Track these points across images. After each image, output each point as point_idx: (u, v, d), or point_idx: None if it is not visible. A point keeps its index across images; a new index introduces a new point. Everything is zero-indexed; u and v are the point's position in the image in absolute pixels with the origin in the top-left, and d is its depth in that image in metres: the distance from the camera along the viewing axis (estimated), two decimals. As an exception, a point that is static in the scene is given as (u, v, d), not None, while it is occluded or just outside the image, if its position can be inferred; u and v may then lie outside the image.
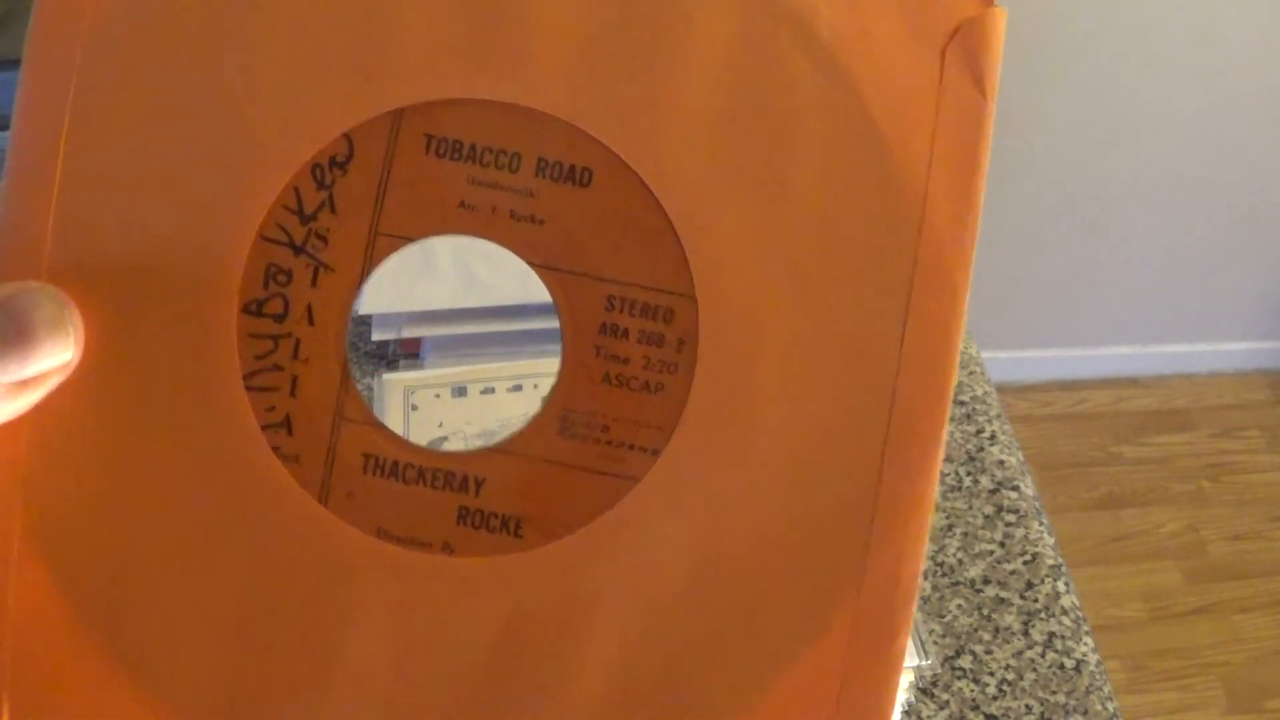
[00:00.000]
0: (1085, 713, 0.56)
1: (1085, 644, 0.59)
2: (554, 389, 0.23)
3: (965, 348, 0.76)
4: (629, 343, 0.23)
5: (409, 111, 0.22)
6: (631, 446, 0.23)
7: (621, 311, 0.23)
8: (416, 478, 0.23)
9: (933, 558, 0.63)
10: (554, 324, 0.23)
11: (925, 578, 0.62)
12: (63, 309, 0.22)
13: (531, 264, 0.23)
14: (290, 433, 0.23)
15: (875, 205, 0.23)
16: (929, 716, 0.56)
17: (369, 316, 0.53)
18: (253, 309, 0.23)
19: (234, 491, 0.22)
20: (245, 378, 0.22)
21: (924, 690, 0.57)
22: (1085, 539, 1.68)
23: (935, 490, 0.23)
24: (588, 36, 0.22)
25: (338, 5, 0.22)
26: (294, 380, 0.23)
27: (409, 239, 0.23)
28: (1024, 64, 1.57)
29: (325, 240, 0.23)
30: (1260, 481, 1.77)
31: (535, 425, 0.23)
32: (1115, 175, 1.70)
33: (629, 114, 0.22)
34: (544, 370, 0.46)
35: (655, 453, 0.23)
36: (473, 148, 0.23)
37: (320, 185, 0.22)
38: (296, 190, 0.22)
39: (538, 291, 0.23)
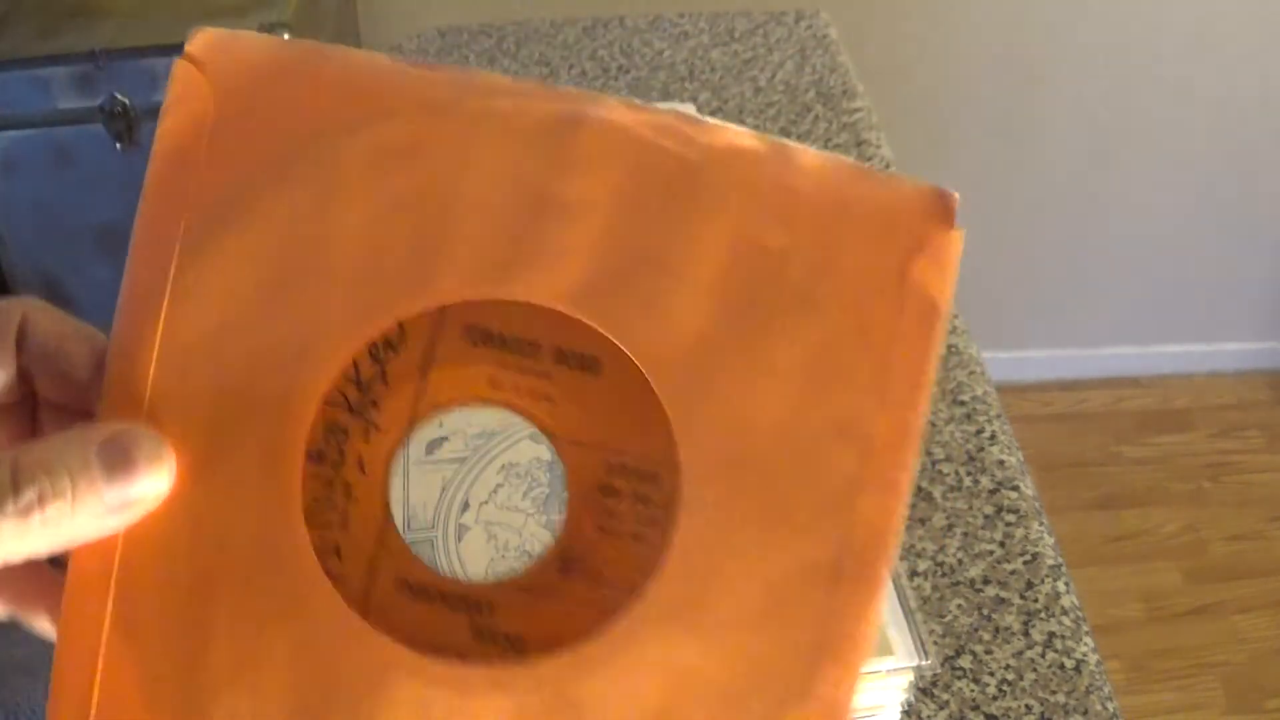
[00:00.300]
0: (1085, 713, 0.56)
1: (1085, 644, 0.59)
2: (559, 536, 0.28)
3: (965, 348, 0.76)
4: (622, 500, 0.28)
5: (451, 307, 0.28)
6: (619, 584, 0.27)
7: (618, 475, 0.28)
8: (439, 599, 0.28)
9: (933, 558, 0.63)
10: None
11: (925, 578, 0.62)
12: (160, 447, 0.27)
13: (545, 432, 0.28)
14: (339, 558, 0.28)
15: (838, 403, 0.28)
16: (929, 716, 0.56)
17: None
18: (314, 456, 0.28)
19: (291, 603, 0.27)
20: (305, 512, 0.27)
21: (924, 690, 0.57)
22: (1085, 539, 1.68)
23: (876, 630, 0.27)
24: (601, 252, 0.28)
25: (399, 218, 0.28)
26: (345, 516, 0.28)
27: (447, 408, 0.28)
28: (1024, 64, 1.57)
29: (377, 405, 0.28)
30: (1260, 481, 1.77)
31: (540, 564, 0.28)
32: (1115, 175, 1.70)
33: (632, 316, 0.28)
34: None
35: (639, 590, 0.27)
36: (502, 337, 0.28)
37: (375, 360, 0.28)
38: (356, 364, 0.28)
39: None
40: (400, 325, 0.28)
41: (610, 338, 0.28)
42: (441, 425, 0.29)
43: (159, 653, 0.27)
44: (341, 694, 0.27)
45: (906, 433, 0.27)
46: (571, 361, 0.28)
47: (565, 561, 0.28)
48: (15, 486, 0.25)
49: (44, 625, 0.30)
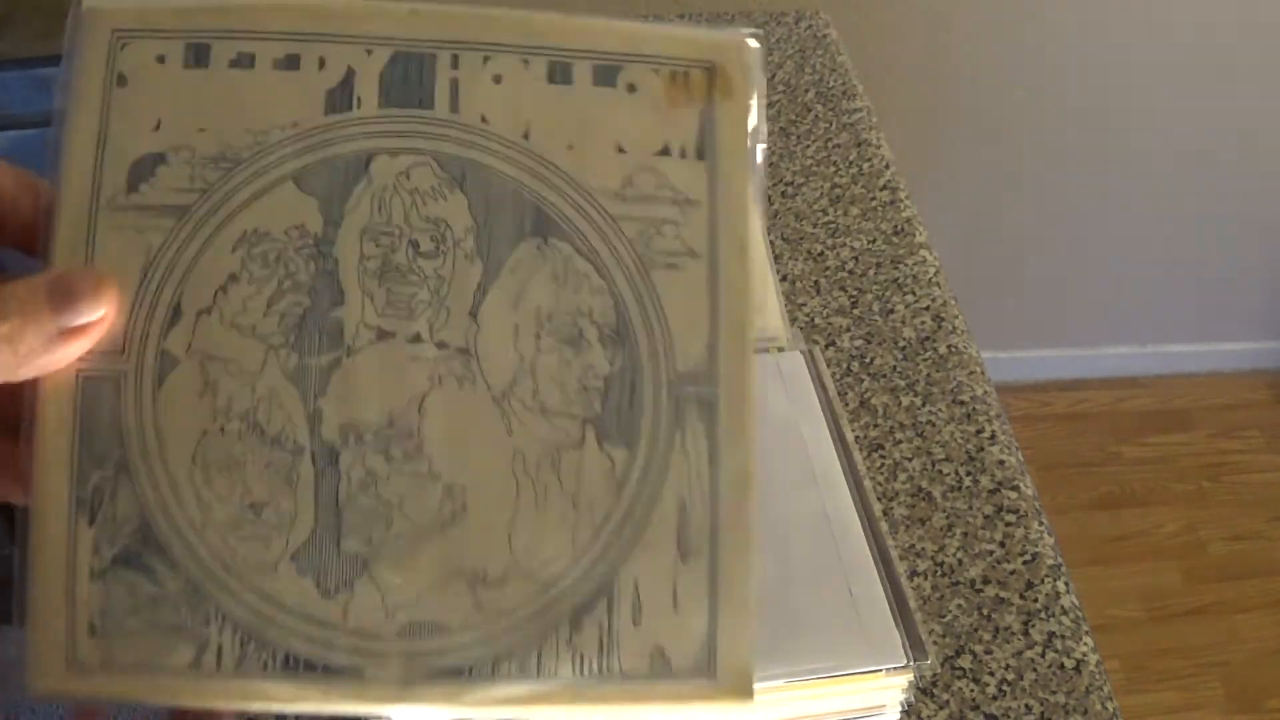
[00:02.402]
0: (1085, 713, 0.56)
1: (1085, 644, 0.59)
2: None
3: (965, 348, 0.76)
4: None
5: None
6: None
7: None
8: None
9: (933, 558, 0.63)
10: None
11: (925, 578, 0.62)
12: (100, 282, 0.31)
13: None
14: None
15: None
16: (929, 716, 0.56)
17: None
18: None
19: None
20: None
21: (924, 690, 0.57)
22: (1085, 539, 1.68)
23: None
24: None
25: None
26: None
27: None
28: (1025, 64, 1.57)
29: None
30: (1260, 481, 1.77)
31: None
32: (1115, 176, 1.70)
33: None
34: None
35: None
36: None
37: None
38: None
39: None
40: None
41: None
42: None
43: None
44: None
45: None
46: None
47: None
48: None
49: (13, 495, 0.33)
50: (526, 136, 0.34)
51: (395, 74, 0.34)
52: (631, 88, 0.34)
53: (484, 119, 0.34)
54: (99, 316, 0.31)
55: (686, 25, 0.36)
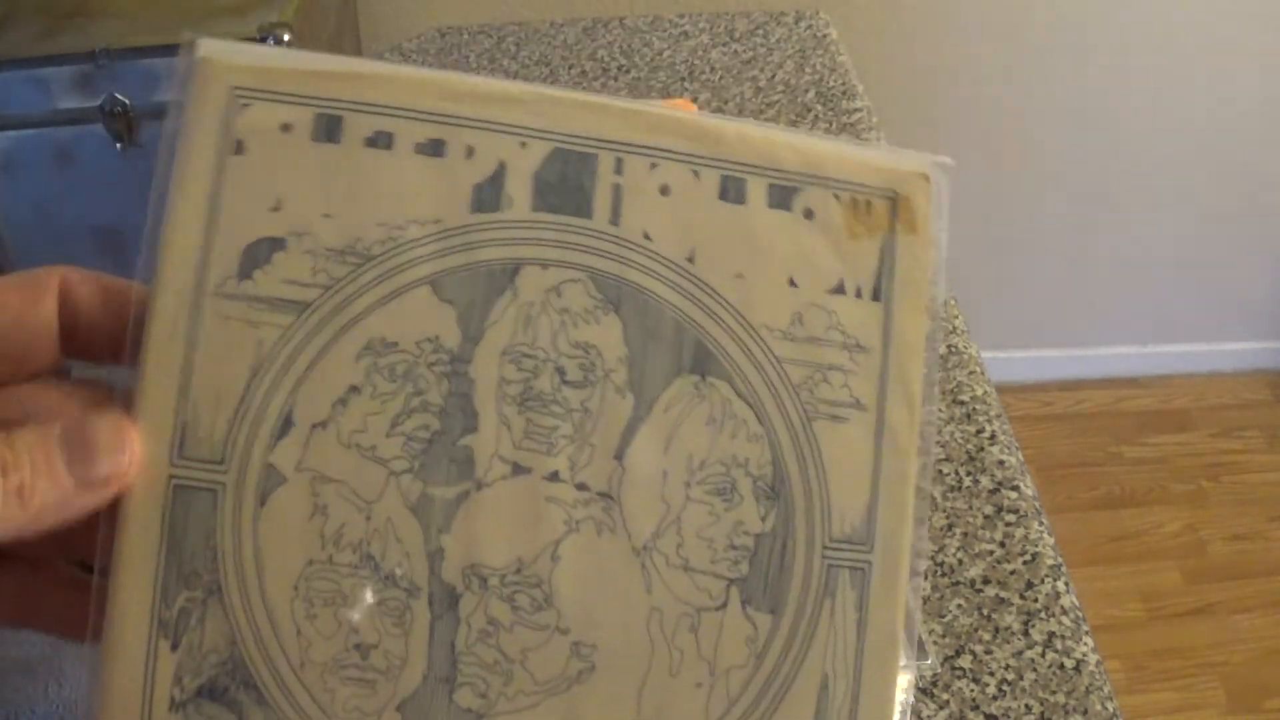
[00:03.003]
0: (1085, 713, 0.56)
1: (1085, 644, 0.59)
2: None
3: (965, 348, 0.76)
4: None
5: None
6: None
7: None
8: None
9: (933, 558, 0.63)
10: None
11: (925, 577, 0.62)
12: (120, 431, 0.28)
13: None
14: None
15: None
16: (929, 716, 0.56)
17: None
18: None
19: None
20: None
21: (924, 690, 0.57)
22: (1085, 539, 1.68)
23: None
24: None
25: None
26: None
27: None
28: (1024, 65, 1.57)
29: None
30: (1260, 481, 1.77)
31: None
32: (1115, 175, 1.70)
33: None
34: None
35: None
36: None
37: None
38: None
39: None
40: None
41: None
42: None
43: None
44: None
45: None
46: None
47: None
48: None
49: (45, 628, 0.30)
50: (691, 260, 0.30)
51: (552, 173, 0.30)
52: (809, 213, 0.31)
53: (647, 235, 0.30)
54: (122, 468, 0.28)
55: (867, 146, 0.33)
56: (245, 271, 0.29)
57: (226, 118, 0.29)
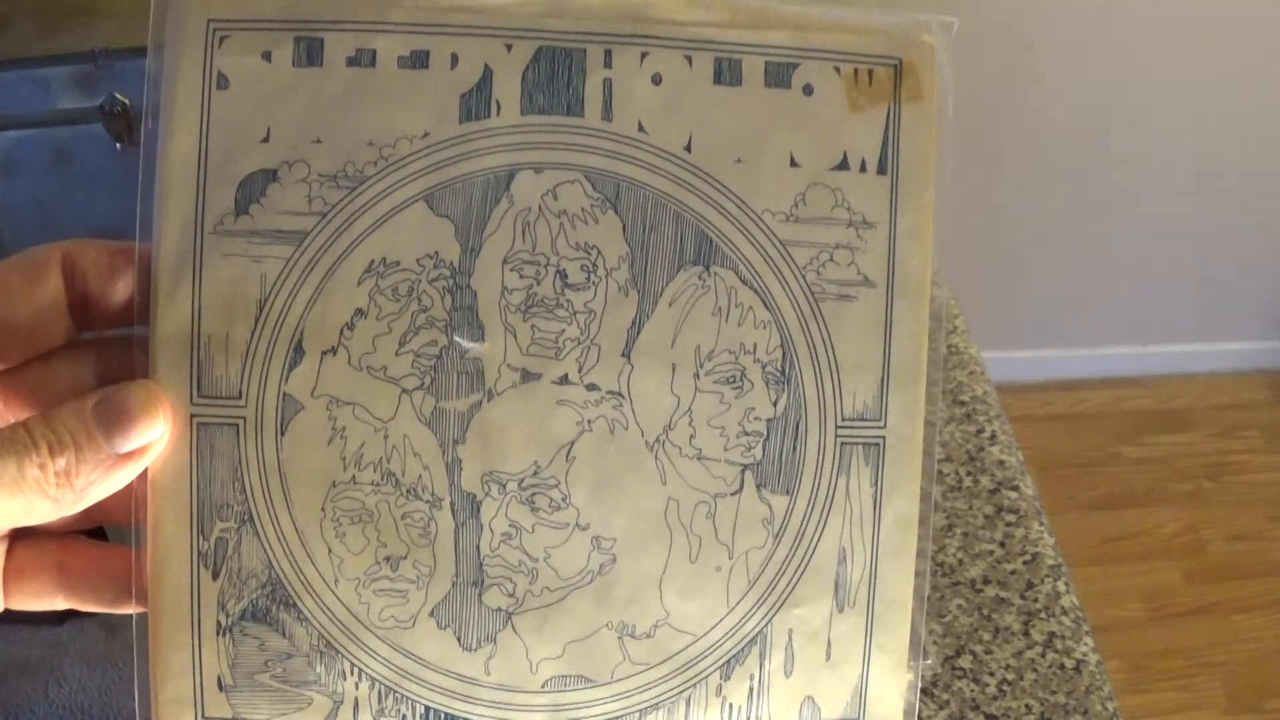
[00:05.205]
0: (1085, 713, 0.56)
1: (1085, 644, 0.59)
2: None
3: (965, 348, 0.76)
4: None
5: None
6: None
7: None
8: None
9: (933, 558, 0.63)
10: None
11: (925, 578, 0.62)
12: (153, 397, 0.28)
13: None
14: None
15: None
16: (929, 716, 0.56)
17: None
18: None
19: None
20: None
21: (924, 690, 0.57)
22: (1085, 539, 1.68)
23: None
24: None
25: None
26: None
27: None
28: (1024, 64, 1.57)
29: None
30: (1260, 481, 1.77)
31: None
32: (1115, 176, 1.70)
33: None
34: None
35: None
36: None
37: None
38: None
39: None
40: None
41: None
42: None
43: None
44: None
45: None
46: None
47: None
48: (34, 444, 0.26)
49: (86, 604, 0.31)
50: (688, 148, 0.30)
51: (540, 73, 0.29)
52: (808, 89, 0.30)
53: (641, 128, 0.29)
54: (158, 433, 0.28)
55: (865, 10, 0.31)
56: (242, 207, 0.29)
57: (206, 53, 0.29)
